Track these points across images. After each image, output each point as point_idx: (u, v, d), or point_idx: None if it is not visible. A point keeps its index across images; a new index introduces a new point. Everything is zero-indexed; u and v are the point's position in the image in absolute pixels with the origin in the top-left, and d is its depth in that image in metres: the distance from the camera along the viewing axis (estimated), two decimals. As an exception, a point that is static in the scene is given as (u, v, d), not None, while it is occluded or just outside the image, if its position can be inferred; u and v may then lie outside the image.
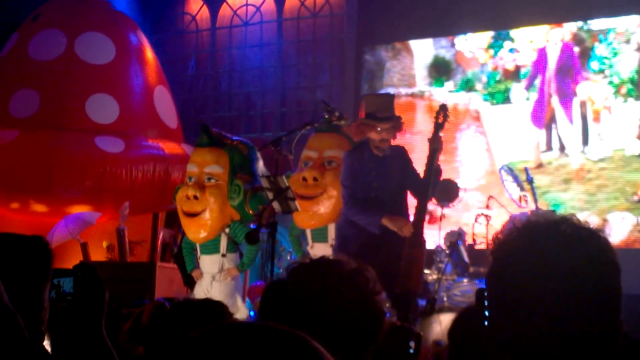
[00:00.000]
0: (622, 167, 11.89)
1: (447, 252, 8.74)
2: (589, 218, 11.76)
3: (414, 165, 7.30)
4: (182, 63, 15.64)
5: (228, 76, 15.40)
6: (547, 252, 1.77)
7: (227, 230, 8.60)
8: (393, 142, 7.30)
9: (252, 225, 8.06)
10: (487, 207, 9.65)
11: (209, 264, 8.58)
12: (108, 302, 2.60)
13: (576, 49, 12.36)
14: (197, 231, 8.67)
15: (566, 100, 12.34)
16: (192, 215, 8.69)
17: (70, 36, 12.66)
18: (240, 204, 8.44)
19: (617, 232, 11.77)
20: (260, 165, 8.58)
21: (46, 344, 2.73)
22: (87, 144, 11.91)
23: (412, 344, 3.03)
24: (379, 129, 7.10)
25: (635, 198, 11.77)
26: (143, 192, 12.10)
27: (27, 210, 12.18)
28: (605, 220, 11.84)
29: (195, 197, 8.64)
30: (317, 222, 8.28)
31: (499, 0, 12.44)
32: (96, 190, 11.98)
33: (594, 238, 1.80)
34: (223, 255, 8.56)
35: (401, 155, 7.22)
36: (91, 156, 11.87)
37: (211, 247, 8.63)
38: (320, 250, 8.10)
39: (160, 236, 11.48)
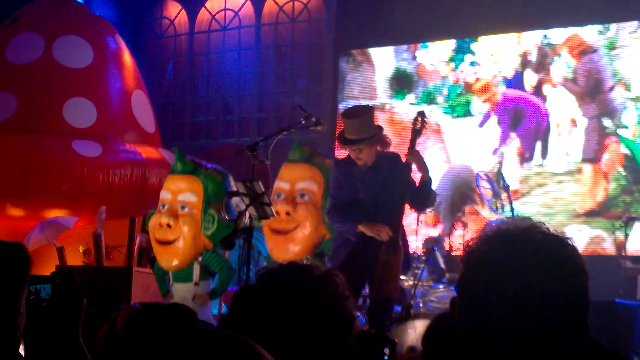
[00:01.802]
0: (579, 180, 11.97)
1: (424, 258, 8.75)
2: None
3: (405, 169, 7.25)
4: (160, 67, 15.63)
5: (206, 81, 15.41)
6: (516, 259, 1.80)
7: (199, 259, 8.56)
8: (391, 149, 7.32)
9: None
10: (464, 214, 9.69)
11: (181, 291, 8.52)
12: (85, 308, 2.60)
13: (537, 60, 12.43)
14: (169, 259, 8.60)
15: (527, 112, 12.41)
16: (165, 243, 8.65)
17: (48, 39, 12.62)
18: (214, 233, 8.40)
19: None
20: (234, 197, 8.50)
21: (21, 349, 2.73)
22: (64, 148, 11.87)
23: (386, 350, 3.05)
24: (383, 139, 7.16)
25: (593, 210, 11.86)
26: (120, 196, 12.07)
27: (4, 214, 12.12)
28: (563, 233, 11.90)
29: (169, 225, 8.56)
30: (292, 257, 8.09)
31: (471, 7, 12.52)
32: (73, 195, 11.93)
33: (562, 245, 1.83)
34: (196, 284, 8.50)
35: (392, 164, 7.20)
36: (68, 160, 11.82)
37: (183, 275, 8.58)
38: None
39: (137, 241, 11.43)
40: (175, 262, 8.57)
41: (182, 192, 8.62)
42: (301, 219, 8.13)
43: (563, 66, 12.23)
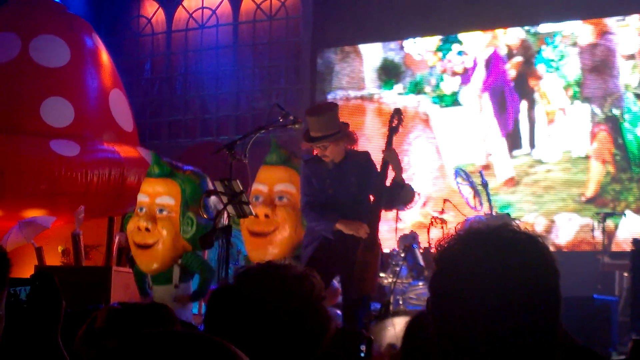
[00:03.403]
0: (568, 168, 12.05)
1: (402, 255, 8.76)
2: (537, 219, 11.92)
3: (375, 167, 7.27)
4: (137, 66, 15.59)
5: (183, 79, 15.38)
6: (486, 258, 1.81)
7: (179, 261, 8.55)
8: (358, 147, 7.33)
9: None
10: (442, 211, 9.69)
11: (161, 293, 8.51)
12: (67, 307, 2.61)
13: (523, 52, 12.51)
14: (149, 263, 8.59)
15: (514, 102, 12.48)
16: (144, 247, 8.62)
17: (24, 39, 12.57)
18: (193, 236, 8.39)
19: (564, 233, 11.94)
20: (212, 196, 8.49)
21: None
22: (42, 148, 11.83)
23: (363, 347, 3.07)
24: (349, 135, 7.16)
25: (583, 199, 11.94)
26: (98, 196, 12.04)
27: (-19, 214, 12.09)
28: (552, 222, 12.00)
29: (147, 229, 8.55)
30: (271, 259, 8.14)
31: (447, 5, 12.56)
32: (51, 194, 11.90)
33: (532, 243, 1.84)
34: (176, 286, 8.50)
35: (360, 161, 7.23)
36: (46, 160, 11.79)
37: (163, 278, 8.57)
38: None
39: (116, 240, 11.41)
40: (155, 266, 8.57)
41: (159, 196, 8.61)
42: (280, 221, 8.14)
43: (550, 55, 12.29)
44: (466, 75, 12.81)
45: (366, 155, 7.30)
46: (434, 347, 1.85)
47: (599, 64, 12.08)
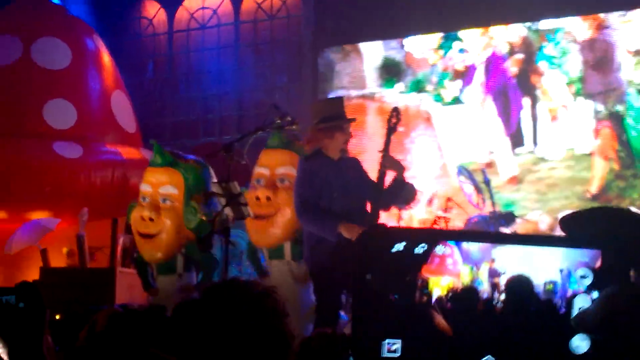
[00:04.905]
0: (572, 166, 12.01)
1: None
2: (541, 217, 11.90)
3: (367, 173, 7.25)
4: (139, 67, 15.59)
5: (186, 79, 15.38)
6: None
7: (183, 250, 8.54)
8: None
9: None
10: (446, 209, 9.68)
11: (165, 284, 8.50)
12: (72, 309, 2.65)
13: (525, 49, 12.48)
14: (153, 252, 8.55)
15: (516, 100, 12.46)
16: (148, 236, 8.62)
17: (26, 41, 12.59)
18: (197, 226, 8.39)
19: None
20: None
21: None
22: (45, 150, 11.86)
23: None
24: (344, 127, 7.11)
25: (587, 196, 11.92)
26: (102, 197, 12.06)
27: (-14, 217, 12.11)
28: (556, 220, 11.97)
29: (151, 219, 8.53)
30: (273, 241, 8.13)
31: (448, 1, 12.53)
32: (55, 196, 11.92)
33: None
34: (180, 276, 8.49)
35: (354, 165, 7.22)
36: (49, 162, 11.82)
37: (167, 267, 8.56)
38: (276, 266, 8.09)
39: (121, 241, 11.42)
40: (158, 255, 8.54)
41: (162, 185, 8.58)
42: (282, 203, 8.10)
43: (552, 52, 12.26)
44: (467, 73, 12.77)
45: (356, 160, 7.29)
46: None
47: (601, 60, 12.05)
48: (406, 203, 7.60)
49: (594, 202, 11.84)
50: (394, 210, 8.11)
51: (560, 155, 12.11)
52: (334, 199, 6.97)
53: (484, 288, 2.28)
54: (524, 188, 12.28)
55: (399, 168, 7.06)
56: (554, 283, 2.32)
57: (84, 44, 13.05)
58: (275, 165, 8.27)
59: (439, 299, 2.23)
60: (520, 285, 2.23)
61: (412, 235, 2.25)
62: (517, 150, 12.36)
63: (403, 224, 9.27)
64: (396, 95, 13.01)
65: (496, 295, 2.30)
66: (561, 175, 12.08)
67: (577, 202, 11.91)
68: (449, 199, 9.85)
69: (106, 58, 13.28)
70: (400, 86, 13.15)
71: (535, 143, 12.27)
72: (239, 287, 2.30)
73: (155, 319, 3.55)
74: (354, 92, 13.35)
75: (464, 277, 2.99)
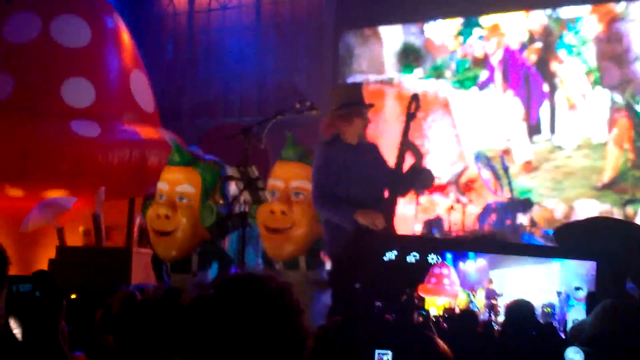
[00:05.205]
0: (589, 155, 11.97)
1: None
2: (556, 205, 11.86)
3: (385, 158, 7.19)
4: (159, 47, 15.57)
5: (206, 60, 15.34)
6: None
7: (198, 249, 8.53)
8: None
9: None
10: (463, 193, 9.65)
11: (179, 282, 8.49)
12: (88, 288, 2.65)
13: (545, 37, 12.42)
14: (167, 250, 8.53)
15: (535, 88, 12.41)
16: (164, 234, 8.61)
17: (45, 19, 12.57)
18: (213, 226, 8.38)
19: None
20: (232, 184, 8.43)
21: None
22: (62, 128, 11.85)
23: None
24: (363, 113, 7.05)
25: (602, 185, 11.88)
26: (119, 177, 12.05)
27: (3, 195, 12.11)
28: (571, 208, 11.93)
29: (167, 217, 8.54)
30: (288, 255, 8.07)
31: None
32: (72, 175, 11.92)
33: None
34: (194, 274, 8.49)
35: (372, 150, 7.16)
36: (67, 140, 11.81)
37: (182, 266, 8.57)
38: (292, 277, 8.00)
39: (137, 221, 11.43)
40: (173, 253, 8.53)
41: (179, 184, 8.57)
42: (297, 217, 8.03)
43: (572, 41, 12.20)
44: (487, 60, 12.72)
45: (375, 146, 7.22)
46: None
47: (620, 50, 11.98)
48: (424, 189, 7.55)
49: (607, 190, 11.80)
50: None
51: (577, 144, 12.07)
52: (352, 185, 6.91)
53: (481, 310, 2.26)
54: (540, 175, 12.25)
55: (418, 154, 7.01)
56: (552, 306, 2.29)
57: (104, 22, 13.02)
58: (290, 178, 8.18)
59: (436, 319, 2.22)
60: (520, 310, 2.20)
61: (404, 242, 2.23)
62: (535, 138, 12.31)
63: (420, 209, 9.22)
64: (415, 81, 12.96)
65: (493, 317, 2.28)
66: (578, 164, 12.04)
67: (593, 191, 11.87)
68: (466, 185, 9.81)
69: (125, 37, 13.25)
70: (419, 72, 13.11)
71: (552, 131, 12.22)
72: (255, 283, 2.26)
73: (170, 304, 3.54)
74: (372, 77, 13.30)
75: (461, 299, 2.97)
